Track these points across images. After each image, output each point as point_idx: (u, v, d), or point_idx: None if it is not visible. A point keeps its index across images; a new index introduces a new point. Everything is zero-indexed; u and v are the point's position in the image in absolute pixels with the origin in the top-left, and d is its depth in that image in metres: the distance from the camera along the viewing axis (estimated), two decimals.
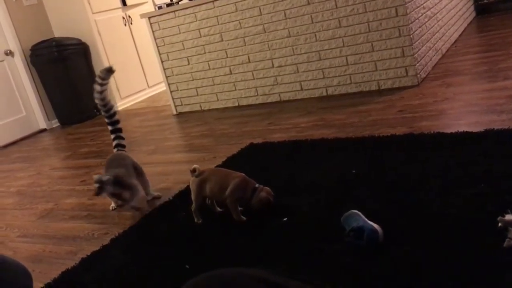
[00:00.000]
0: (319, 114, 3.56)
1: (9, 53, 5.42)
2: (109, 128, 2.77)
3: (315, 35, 3.90)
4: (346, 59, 3.84)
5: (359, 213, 1.81)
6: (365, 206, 1.91)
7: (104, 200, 2.87)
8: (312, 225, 1.95)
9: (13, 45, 5.42)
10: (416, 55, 3.62)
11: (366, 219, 1.75)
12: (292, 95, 4.19)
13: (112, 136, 2.77)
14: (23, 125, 5.51)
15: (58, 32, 5.75)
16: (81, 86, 5.55)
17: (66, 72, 5.41)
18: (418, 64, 3.65)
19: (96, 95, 2.66)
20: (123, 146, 2.75)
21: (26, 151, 4.81)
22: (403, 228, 1.74)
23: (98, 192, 2.35)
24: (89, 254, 2.18)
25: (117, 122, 2.75)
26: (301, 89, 4.12)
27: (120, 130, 2.77)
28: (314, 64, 3.99)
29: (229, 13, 4.18)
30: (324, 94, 4.03)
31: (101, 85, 2.64)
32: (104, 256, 2.15)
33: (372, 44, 3.70)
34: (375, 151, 2.56)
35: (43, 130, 5.65)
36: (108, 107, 2.69)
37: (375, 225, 1.71)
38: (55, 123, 5.76)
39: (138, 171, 2.61)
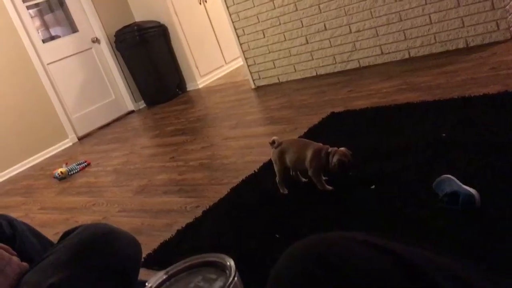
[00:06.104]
0: (402, 77, 3.42)
1: (96, 40, 5.73)
2: None
3: None
4: (430, 17, 3.63)
5: (452, 177, 1.73)
6: (459, 170, 1.83)
7: (194, 175, 2.99)
8: (402, 191, 1.90)
9: (99, 33, 5.72)
10: (507, 6, 3.34)
11: (460, 184, 1.68)
12: (372, 60, 4.05)
13: None
14: (114, 107, 5.85)
15: (139, 16, 5.97)
16: (163, 67, 5.75)
17: (148, 54, 5.63)
18: (510, 17, 3.36)
19: None
20: None
21: (118, 132, 5.11)
22: (500, 192, 1.65)
23: None
24: (183, 226, 2.30)
25: None
26: (381, 53, 3.97)
27: None
28: (394, 26, 3.82)
29: None
30: (407, 56, 3.85)
31: None
32: (197, 227, 2.25)
33: None
34: (466, 112, 2.42)
35: (131, 112, 5.96)
36: None
37: (471, 189, 1.63)
38: (142, 104, 6.06)
39: None
